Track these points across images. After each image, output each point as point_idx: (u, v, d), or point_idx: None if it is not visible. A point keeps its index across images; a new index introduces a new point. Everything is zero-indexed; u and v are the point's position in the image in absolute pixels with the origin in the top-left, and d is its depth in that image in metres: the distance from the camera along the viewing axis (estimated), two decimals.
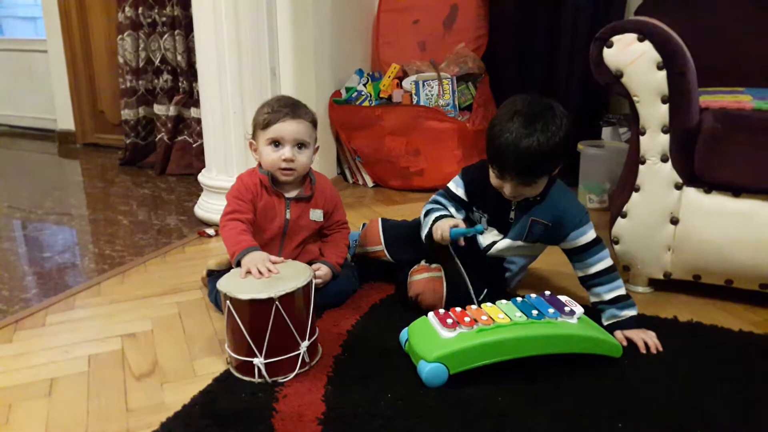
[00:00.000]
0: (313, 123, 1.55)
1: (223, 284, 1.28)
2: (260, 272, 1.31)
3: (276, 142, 1.50)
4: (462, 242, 1.48)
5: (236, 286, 1.27)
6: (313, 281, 1.31)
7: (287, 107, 1.50)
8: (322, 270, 1.55)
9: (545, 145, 1.34)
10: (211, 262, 1.68)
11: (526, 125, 1.34)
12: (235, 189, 1.54)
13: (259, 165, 1.56)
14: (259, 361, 1.25)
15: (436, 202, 1.58)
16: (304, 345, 1.27)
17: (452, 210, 1.56)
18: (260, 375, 1.26)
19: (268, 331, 1.23)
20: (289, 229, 1.56)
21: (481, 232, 1.50)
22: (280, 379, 1.26)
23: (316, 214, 1.60)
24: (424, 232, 1.54)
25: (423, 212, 1.58)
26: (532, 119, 1.35)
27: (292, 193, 1.56)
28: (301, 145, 1.51)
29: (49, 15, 3.55)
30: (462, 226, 1.47)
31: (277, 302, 1.22)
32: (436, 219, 1.50)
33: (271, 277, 1.30)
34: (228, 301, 1.25)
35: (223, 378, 1.28)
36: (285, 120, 1.49)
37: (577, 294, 1.54)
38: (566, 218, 1.47)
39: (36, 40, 3.94)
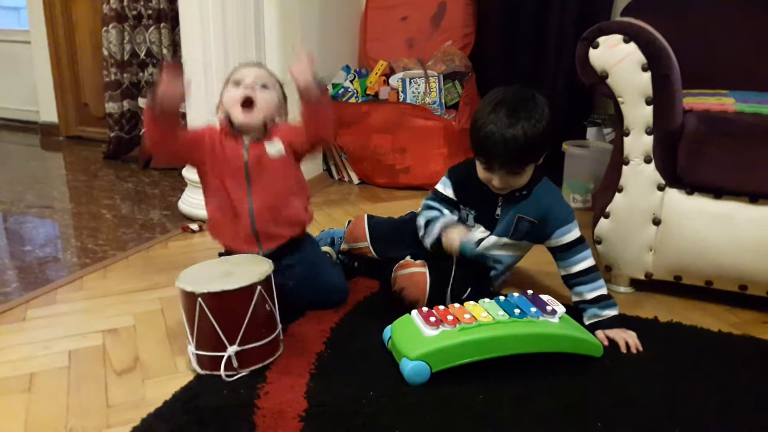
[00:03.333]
0: (280, 86, 1.51)
1: (184, 271, 1.31)
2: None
3: (237, 83, 1.45)
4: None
5: (187, 274, 1.30)
6: (257, 288, 1.25)
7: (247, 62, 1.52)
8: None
9: (530, 132, 1.36)
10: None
11: (510, 114, 1.37)
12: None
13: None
14: (191, 349, 1.27)
15: (429, 207, 1.58)
16: (231, 350, 1.24)
17: (446, 212, 1.56)
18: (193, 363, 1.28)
19: (195, 324, 1.24)
20: (250, 170, 1.44)
21: (487, 262, 1.48)
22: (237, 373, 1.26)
23: (274, 147, 1.46)
24: (428, 241, 1.53)
25: (422, 222, 1.57)
26: (515, 108, 1.38)
27: (249, 137, 1.46)
28: (263, 86, 1.45)
29: (32, 5, 3.50)
30: (470, 237, 1.46)
31: (199, 299, 1.22)
32: (445, 226, 1.49)
33: (228, 271, 1.29)
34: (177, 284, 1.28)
35: (204, 374, 1.27)
36: (247, 66, 1.49)
37: (560, 293, 1.55)
38: (552, 215, 1.48)
39: (19, 31, 3.88)
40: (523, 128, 1.36)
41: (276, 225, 1.48)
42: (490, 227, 1.54)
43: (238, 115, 1.43)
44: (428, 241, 1.53)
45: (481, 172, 1.47)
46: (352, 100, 2.71)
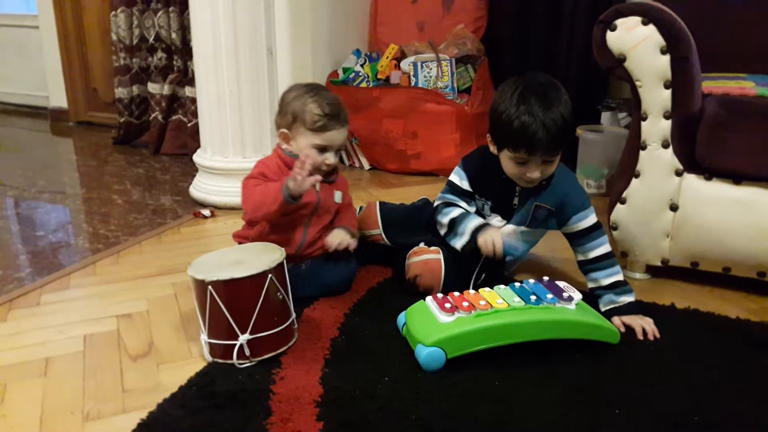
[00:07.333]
0: None
1: (196, 259, 1.31)
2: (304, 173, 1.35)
3: (324, 148, 1.48)
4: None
5: (199, 261, 1.30)
6: (268, 276, 1.24)
7: (337, 110, 1.48)
8: (340, 236, 1.53)
9: (565, 113, 1.35)
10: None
11: (542, 100, 1.35)
12: (257, 169, 1.50)
13: (279, 147, 1.53)
14: (204, 338, 1.27)
15: (447, 203, 1.55)
16: (243, 338, 1.23)
17: (463, 204, 1.54)
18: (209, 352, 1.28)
19: (207, 312, 1.24)
20: (319, 209, 1.53)
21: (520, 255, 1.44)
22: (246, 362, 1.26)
23: (338, 196, 1.59)
24: (460, 243, 1.50)
25: (444, 220, 1.54)
26: (544, 93, 1.36)
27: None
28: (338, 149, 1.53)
29: None
30: (511, 238, 1.44)
31: (210, 287, 1.21)
32: (477, 228, 1.47)
33: (240, 259, 1.29)
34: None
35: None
36: (337, 129, 1.48)
37: (576, 279, 1.54)
38: (569, 202, 1.47)
39: (27, 16, 3.86)
40: (559, 110, 1.34)
41: (314, 252, 1.55)
42: (507, 216, 1.52)
43: (316, 181, 1.42)
44: (459, 244, 1.51)
45: (511, 167, 1.43)
46: (363, 84, 2.69)
